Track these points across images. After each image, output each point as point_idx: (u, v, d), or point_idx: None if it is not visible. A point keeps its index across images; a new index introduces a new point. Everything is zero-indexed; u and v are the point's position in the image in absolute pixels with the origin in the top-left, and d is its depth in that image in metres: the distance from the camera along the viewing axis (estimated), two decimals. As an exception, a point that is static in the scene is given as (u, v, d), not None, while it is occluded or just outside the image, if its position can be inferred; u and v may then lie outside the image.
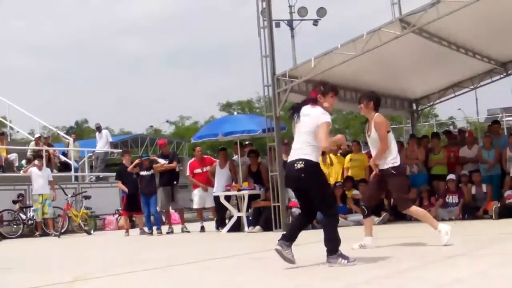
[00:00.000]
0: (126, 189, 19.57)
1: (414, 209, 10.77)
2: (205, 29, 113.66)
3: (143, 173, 19.11)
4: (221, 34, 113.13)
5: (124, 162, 20.31)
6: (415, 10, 15.30)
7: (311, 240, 10.62)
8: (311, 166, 8.48)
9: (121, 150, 27.25)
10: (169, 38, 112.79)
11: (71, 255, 13.99)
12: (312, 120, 8.50)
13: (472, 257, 8.75)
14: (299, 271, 8.50)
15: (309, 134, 8.50)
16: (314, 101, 8.65)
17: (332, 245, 8.56)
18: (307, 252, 10.24)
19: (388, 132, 10.64)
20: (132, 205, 19.47)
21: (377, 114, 10.68)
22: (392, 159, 10.55)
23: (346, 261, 8.37)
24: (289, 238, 8.74)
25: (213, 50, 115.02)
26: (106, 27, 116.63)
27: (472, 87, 23.32)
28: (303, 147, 8.51)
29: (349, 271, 8.11)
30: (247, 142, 20.25)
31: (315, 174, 8.56)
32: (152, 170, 19.11)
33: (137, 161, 19.86)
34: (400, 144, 20.65)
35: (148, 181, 19.08)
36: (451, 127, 51.58)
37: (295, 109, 8.72)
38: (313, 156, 8.48)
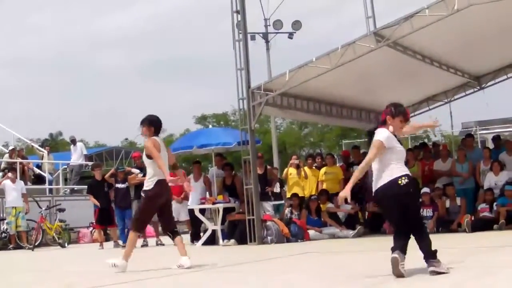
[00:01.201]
0: (97, 203, 19.47)
1: (132, 236, 11.16)
2: (181, 43, 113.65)
3: (118, 185, 19.04)
4: (197, 48, 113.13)
5: (95, 176, 20.19)
6: (389, 24, 15.39)
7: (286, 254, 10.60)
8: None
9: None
10: (145, 52, 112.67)
11: (44, 268, 13.89)
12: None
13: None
14: (272, 284, 8.49)
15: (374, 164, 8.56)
16: (383, 123, 8.62)
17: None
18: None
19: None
20: (105, 219, 19.37)
21: (151, 138, 10.99)
22: (149, 182, 10.96)
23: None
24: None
25: (189, 63, 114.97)
26: (82, 40, 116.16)
27: (446, 100, 23.51)
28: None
29: (320, 280, 8.11)
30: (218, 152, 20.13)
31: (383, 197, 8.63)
32: (127, 183, 19.05)
33: (112, 170, 19.85)
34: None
35: (123, 194, 19.02)
36: (425, 141, 51.80)
37: (371, 136, 8.71)
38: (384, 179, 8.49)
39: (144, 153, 10.95)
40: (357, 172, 8.58)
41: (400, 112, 8.55)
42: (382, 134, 8.40)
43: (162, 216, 11.31)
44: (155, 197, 10.90)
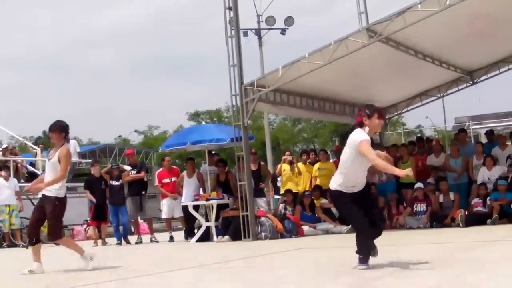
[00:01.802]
0: (94, 199, 19.45)
1: (65, 240, 11.54)
2: (175, 40, 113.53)
3: (112, 182, 19.04)
4: (190, 44, 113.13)
5: (93, 172, 20.17)
6: (381, 19, 15.39)
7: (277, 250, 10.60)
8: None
9: (89, 160, 27.10)
10: (138, 49, 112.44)
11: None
12: (349, 144, 8.63)
13: (440, 265, 8.78)
14: (267, 280, 8.49)
15: (343, 161, 8.71)
16: (359, 125, 8.65)
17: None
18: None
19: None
20: (100, 215, 19.36)
21: (66, 145, 11.06)
22: (59, 188, 10.90)
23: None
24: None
25: (182, 60, 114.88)
26: (75, 38, 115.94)
27: (439, 95, 23.50)
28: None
29: (314, 276, 8.11)
30: (213, 152, 20.24)
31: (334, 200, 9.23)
32: (121, 180, 19.06)
33: (109, 166, 19.96)
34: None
35: (117, 191, 19.02)
36: (418, 136, 51.92)
37: (343, 138, 8.83)
38: (337, 183, 8.74)
39: (56, 157, 10.84)
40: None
41: (374, 110, 8.67)
42: (364, 135, 8.47)
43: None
44: (65, 202, 11.07)
